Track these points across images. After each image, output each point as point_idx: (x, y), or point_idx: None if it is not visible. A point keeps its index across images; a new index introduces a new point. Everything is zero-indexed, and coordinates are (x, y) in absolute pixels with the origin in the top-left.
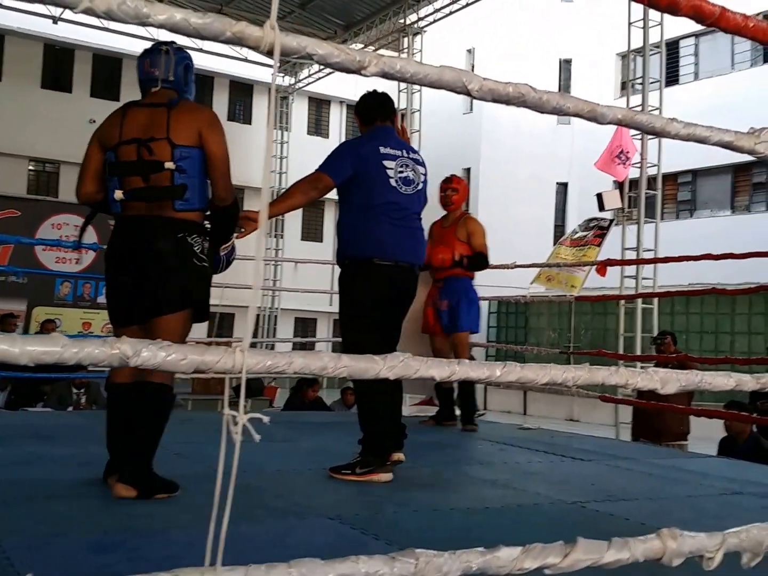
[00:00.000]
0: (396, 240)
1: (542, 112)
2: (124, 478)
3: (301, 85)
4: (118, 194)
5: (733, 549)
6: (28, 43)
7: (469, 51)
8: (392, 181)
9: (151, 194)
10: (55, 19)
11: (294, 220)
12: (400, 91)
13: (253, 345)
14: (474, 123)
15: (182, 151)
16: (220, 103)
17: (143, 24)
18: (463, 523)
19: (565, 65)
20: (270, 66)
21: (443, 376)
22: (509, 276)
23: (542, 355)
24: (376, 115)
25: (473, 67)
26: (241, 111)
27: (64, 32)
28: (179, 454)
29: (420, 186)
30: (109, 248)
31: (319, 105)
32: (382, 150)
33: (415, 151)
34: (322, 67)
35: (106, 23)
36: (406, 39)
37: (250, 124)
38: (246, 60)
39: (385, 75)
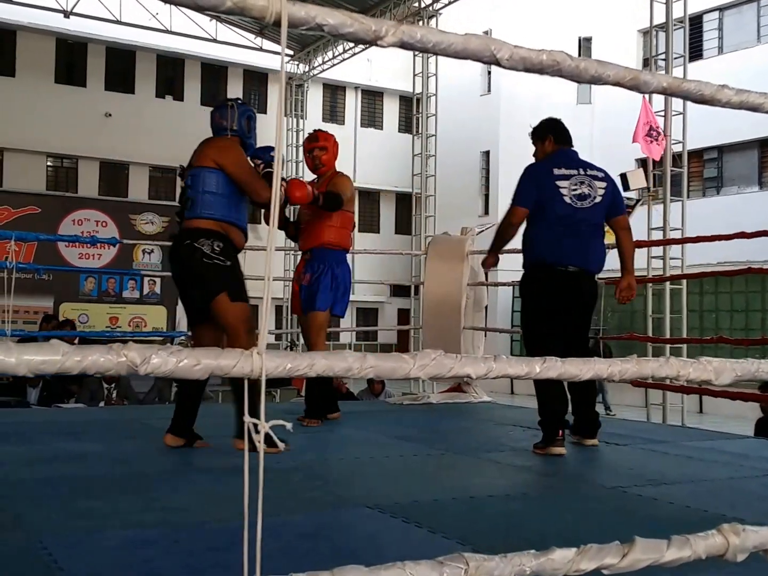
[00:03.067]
0: (568, 247)
1: (579, 82)
2: (173, 431)
3: (315, 72)
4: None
5: None
6: (41, 38)
7: (485, 33)
8: (566, 198)
9: (178, 212)
10: (67, 13)
11: None
12: (415, 75)
13: (279, 337)
14: (492, 105)
15: (193, 171)
16: (235, 93)
17: None
18: (502, 510)
19: (585, 44)
20: (286, 55)
21: (479, 373)
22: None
23: None
24: (555, 138)
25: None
26: (256, 101)
27: (76, 26)
28: (215, 447)
29: (598, 199)
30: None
31: (334, 91)
32: (556, 171)
33: (595, 168)
34: (336, 53)
35: (118, 15)
36: (421, 22)
37: (265, 113)
38: (260, 49)
39: (404, 45)
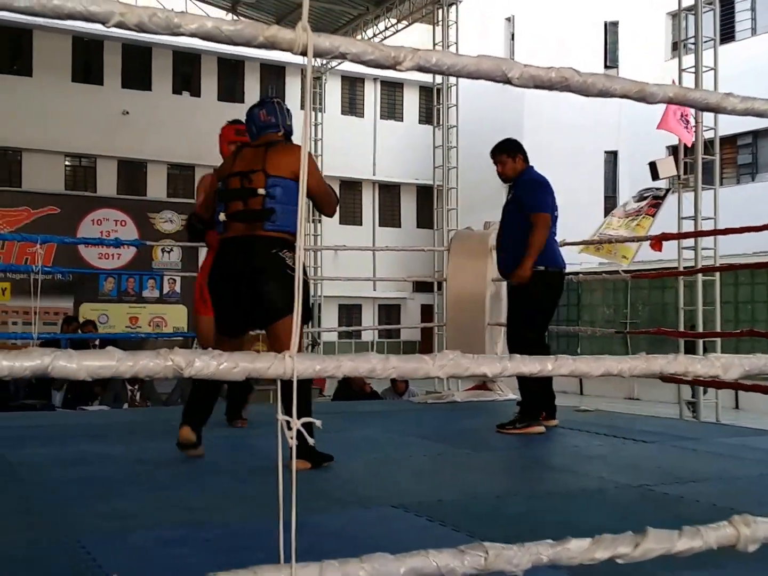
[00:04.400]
0: (559, 252)
1: (587, 96)
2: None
3: (333, 64)
4: (222, 216)
5: None
6: (57, 37)
7: (508, 19)
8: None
9: (246, 216)
10: None
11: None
12: None
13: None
14: (515, 95)
15: (274, 180)
16: (252, 88)
17: (175, 34)
18: (526, 508)
19: (612, 28)
20: None
21: (495, 372)
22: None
23: (597, 336)
24: (524, 158)
25: (513, 35)
26: (273, 94)
27: (92, 24)
28: (251, 446)
29: None
30: (214, 266)
31: (353, 83)
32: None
33: None
34: None
35: None
36: (441, 11)
37: None
38: None
39: (422, 69)
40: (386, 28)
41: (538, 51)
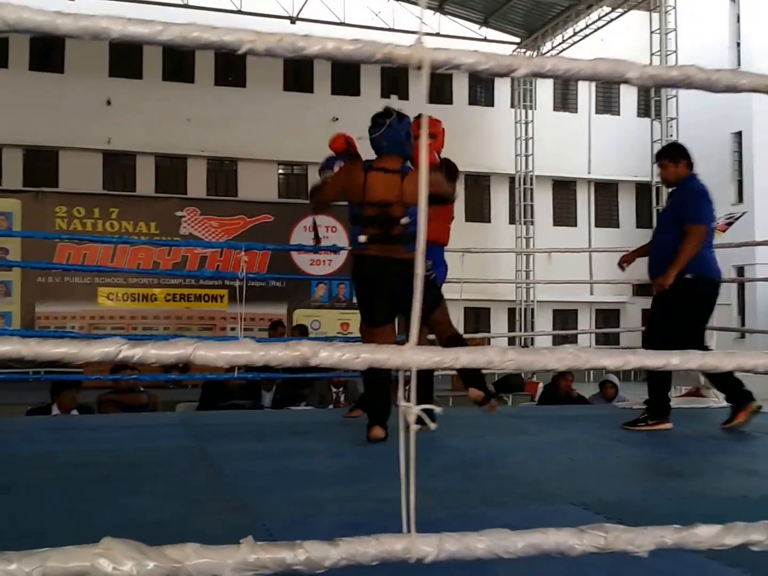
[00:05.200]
0: (714, 261)
1: (714, 92)
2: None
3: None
4: (362, 238)
5: None
6: None
7: (733, 0)
8: None
9: (390, 239)
10: (293, 19)
11: (544, 203)
12: (652, 54)
13: (511, 341)
14: None
15: (412, 209)
16: (460, 87)
17: (301, 57)
18: (715, 511)
19: None
20: (511, 43)
21: (617, 365)
22: None
23: None
24: (688, 164)
25: (738, 17)
26: (482, 93)
27: (303, 31)
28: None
29: None
30: (360, 277)
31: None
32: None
33: None
34: (566, 36)
35: (342, 17)
36: None
37: (492, 106)
38: (485, 39)
39: (536, 75)
40: (599, 18)
41: (767, 32)
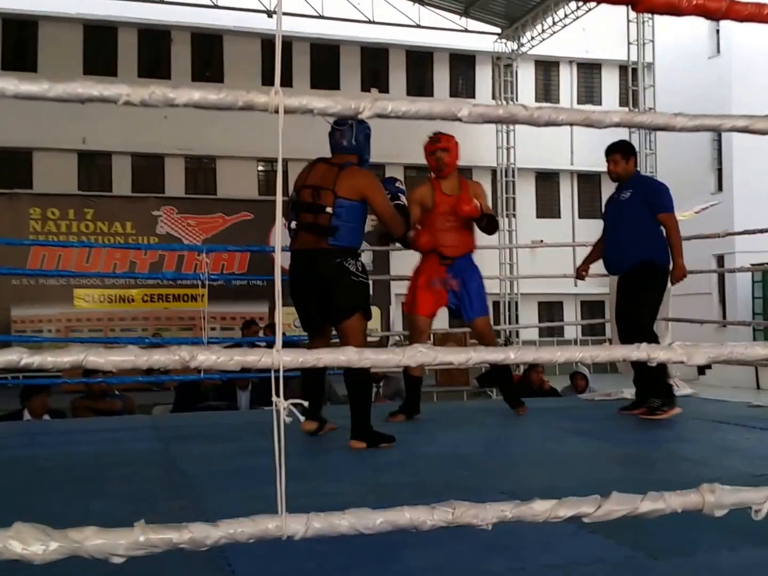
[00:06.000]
0: None
1: (537, 126)
2: (354, 435)
3: (525, 49)
4: (294, 224)
5: None
6: (246, 41)
7: None
8: None
9: (314, 229)
10: (270, 13)
11: (527, 195)
12: (629, 44)
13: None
14: (722, 67)
15: (341, 202)
16: (441, 79)
17: (170, 105)
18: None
19: None
20: (492, 34)
21: (460, 361)
22: None
23: None
24: (635, 162)
25: None
26: (464, 85)
27: (281, 25)
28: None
29: None
30: (291, 274)
31: (547, 68)
32: None
33: None
34: (546, 26)
35: (321, 10)
36: None
37: (474, 97)
38: (465, 30)
39: (380, 116)
40: (578, 7)
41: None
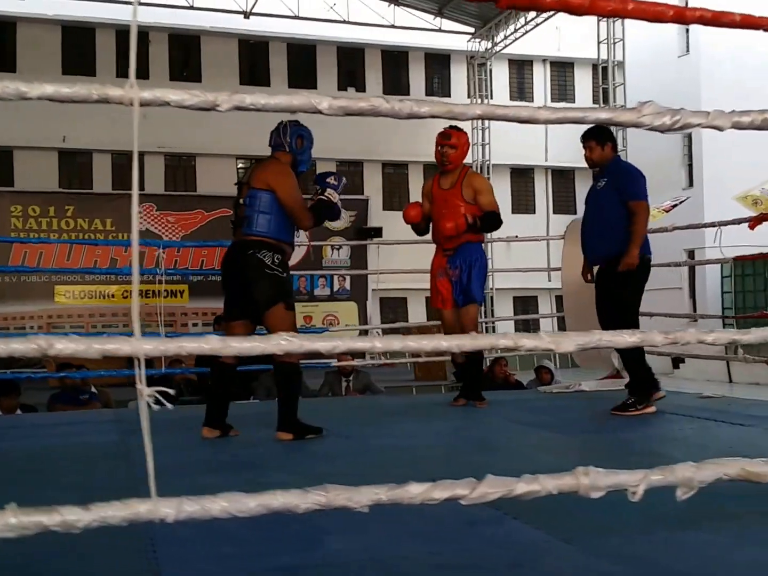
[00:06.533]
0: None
1: (399, 118)
2: (281, 427)
3: (498, 48)
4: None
5: (657, 485)
6: (223, 41)
7: None
8: None
9: (235, 222)
10: (246, 14)
11: (502, 191)
12: (599, 42)
13: None
14: (691, 65)
15: (252, 192)
16: (417, 78)
17: (24, 98)
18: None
19: None
20: (466, 33)
21: (327, 348)
22: (745, 233)
23: None
24: (613, 147)
25: (686, 3)
26: (439, 84)
27: (257, 26)
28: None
29: None
30: (222, 263)
31: (521, 67)
32: None
33: None
34: (519, 25)
35: (297, 11)
36: None
37: (449, 96)
38: (440, 30)
39: (239, 108)
40: None
41: None
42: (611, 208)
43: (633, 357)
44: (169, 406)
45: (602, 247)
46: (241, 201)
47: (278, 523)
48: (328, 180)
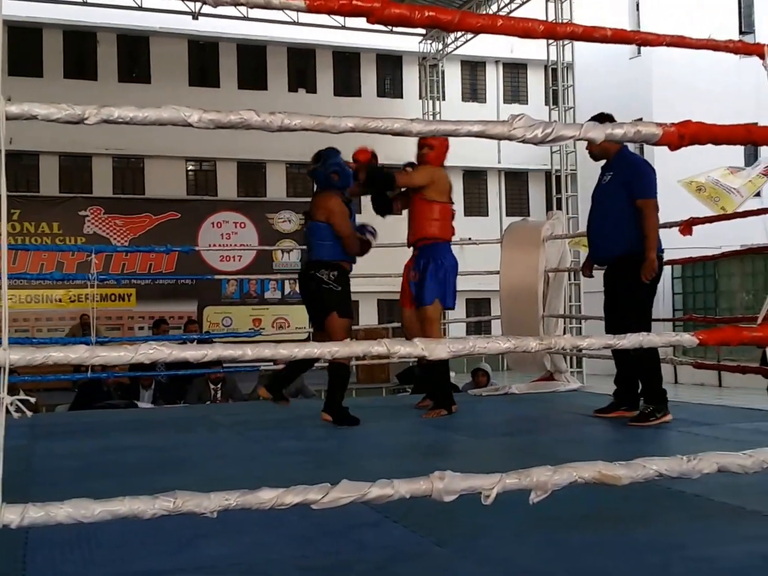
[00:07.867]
0: None
1: (270, 131)
2: (325, 408)
3: (449, 49)
4: None
5: (512, 488)
6: (173, 42)
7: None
8: None
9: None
10: (195, 15)
11: (455, 194)
12: (549, 44)
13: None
14: (643, 67)
15: (311, 224)
16: (368, 80)
17: None
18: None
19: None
20: (417, 35)
21: (126, 360)
22: (694, 235)
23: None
24: None
25: (638, 5)
26: (391, 85)
27: (206, 26)
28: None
29: None
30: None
31: (474, 68)
32: None
33: None
34: (491, 12)
35: (246, 12)
36: None
37: (401, 98)
38: (391, 32)
39: (107, 122)
40: (506, 4)
41: (665, 20)
42: (617, 205)
43: (649, 366)
44: (28, 413)
45: (609, 247)
46: (305, 230)
47: (158, 528)
48: (368, 228)
